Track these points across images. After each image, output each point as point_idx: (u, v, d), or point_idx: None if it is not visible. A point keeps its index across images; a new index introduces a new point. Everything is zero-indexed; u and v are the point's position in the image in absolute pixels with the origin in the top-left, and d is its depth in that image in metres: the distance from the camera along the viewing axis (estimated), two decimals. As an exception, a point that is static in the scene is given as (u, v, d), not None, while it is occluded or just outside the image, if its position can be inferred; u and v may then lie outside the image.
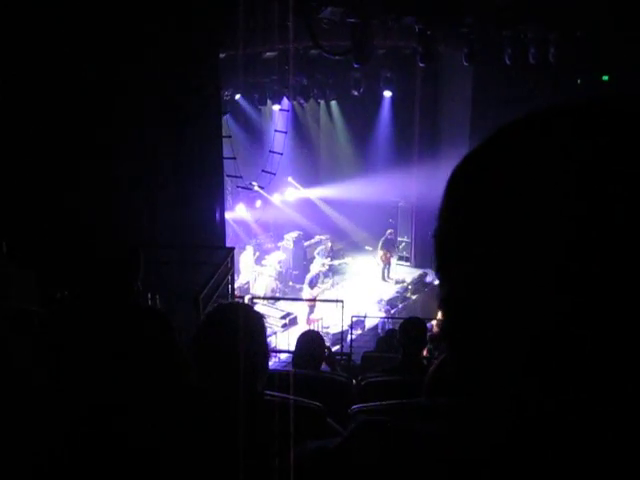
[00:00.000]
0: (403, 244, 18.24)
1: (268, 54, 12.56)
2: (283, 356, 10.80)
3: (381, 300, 15.41)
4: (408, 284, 16.50)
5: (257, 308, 13.01)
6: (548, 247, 0.50)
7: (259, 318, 2.23)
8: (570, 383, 0.50)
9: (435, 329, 10.78)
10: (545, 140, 0.53)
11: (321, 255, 16.85)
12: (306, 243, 17.61)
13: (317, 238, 17.75)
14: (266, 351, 2.21)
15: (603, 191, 0.48)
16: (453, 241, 0.58)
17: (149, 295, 5.57)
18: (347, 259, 17.82)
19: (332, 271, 16.92)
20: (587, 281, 0.48)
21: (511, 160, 0.54)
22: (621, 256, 0.47)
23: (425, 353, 7.70)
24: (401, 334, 4.85)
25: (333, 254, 17.41)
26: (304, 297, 14.83)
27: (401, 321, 5.39)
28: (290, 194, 18.91)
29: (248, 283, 15.64)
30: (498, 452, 0.57)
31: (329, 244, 17.35)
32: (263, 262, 16.60)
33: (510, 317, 0.52)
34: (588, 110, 0.53)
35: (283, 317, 13.86)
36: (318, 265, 16.20)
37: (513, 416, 0.55)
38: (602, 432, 0.50)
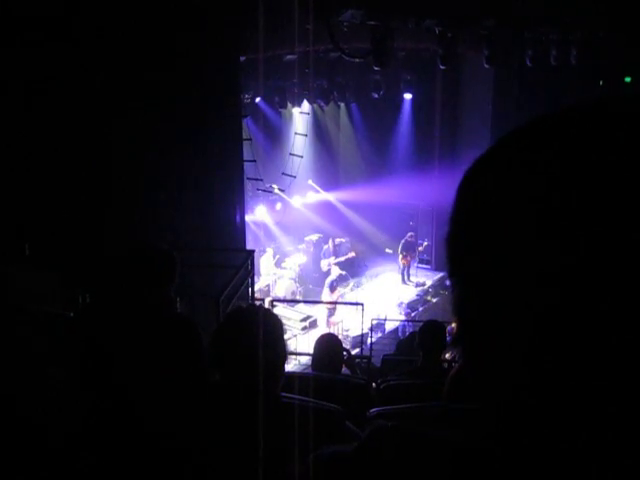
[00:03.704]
0: (423, 246, 18.18)
1: (288, 57, 12.59)
2: (303, 359, 10.80)
3: (401, 303, 15.37)
4: (428, 287, 16.45)
5: (277, 311, 13.04)
6: (545, 253, 0.50)
7: (278, 321, 2.24)
8: (568, 389, 0.51)
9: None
10: (551, 147, 0.53)
11: (326, 256, 16.86)
12: (326, 246, 17.62)
13: (337, 241, 17.75)
14: (284, 354, 2.21)
15: (601, 202, 0.49)
16: (463, 245, 0.59)
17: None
18: (351, 253, 17.73)
19: (351, 274, 16.88)
20: (582, 288, 0.49)
21: (516, 166, 0.55)
22: (617, 268, 0.48)
23: (449, 356, 7.68)
24: (420, 337, 4.84)
25: (336, 251, 17.35)
26: (324, 300, 14.83)
27: (421, 324, 5.37)
28: (310, 197, 18.92)
29: (268, 286, 15.66)
30: (512, 458, 0.57)
31: (330, 243, 17.33)
32: (283, 265, 16.63)
33: (514, 322, 0.53)
34: (593, 115, 0.54)
35: (303, 320, 13.87)
36: (325, 264, 16.27)
37: (521, 422, 0.55)
38: (603, 434, 0.50)
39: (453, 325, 10.97)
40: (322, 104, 16.93)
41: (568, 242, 0.49)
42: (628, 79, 14.24)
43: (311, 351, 4.77)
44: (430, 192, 17.40)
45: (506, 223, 0.53)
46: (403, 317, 14.72)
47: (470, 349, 0.60)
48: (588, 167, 0.50)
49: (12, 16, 6.19)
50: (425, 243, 18.14)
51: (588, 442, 0.51)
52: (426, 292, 16.22)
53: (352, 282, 16.67)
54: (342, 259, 17.22)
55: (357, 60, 11.69)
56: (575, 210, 0.50)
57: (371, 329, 12.23)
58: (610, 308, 0.48)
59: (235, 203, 9.84)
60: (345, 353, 5.01)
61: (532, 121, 0.57)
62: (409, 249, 17.47)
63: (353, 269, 17.50)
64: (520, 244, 0.52)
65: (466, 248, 0.58)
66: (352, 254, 17.68)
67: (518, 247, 0.52)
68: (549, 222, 0.50)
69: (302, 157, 15.41)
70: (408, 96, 18.04)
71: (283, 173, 15.35)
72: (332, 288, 15.12)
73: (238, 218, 9.90)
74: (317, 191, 19.04)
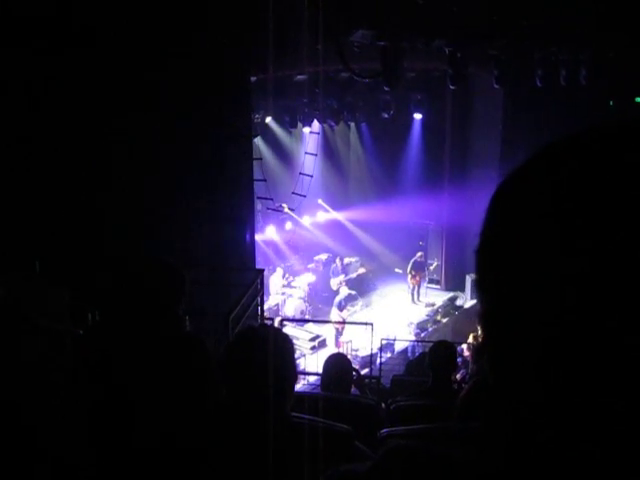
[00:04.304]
0: (434, 266, 18.14)
1: (299, 77, 12.67)
2: (312, 379, 10.75)
3: (411, 323, 15.32)
4: (438, 307, 16.39)
5: (286, 330, 13.02)
6: (573, 267, 0.51)
7: (289, 341, 2.23)
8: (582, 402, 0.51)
9: (466, 353, 10.68)
10: (584, 166, 0.54)
11: (334, 274, 16.86)
12: (334, 265, 17.63)
13: (346, 260, 17.75)
14: (294, 374, 2.20)
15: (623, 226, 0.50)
16: (492, 256, 0.60)
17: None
18: (361, 269, 17.73)
19: (360, 293, 16.85)
20: (592, 309, 0.50)
21: (547, 183, 0.56)
22: (625, 287, 0.49)
23: (459, 377, 7.63)
24: (430, 358, 4.81)
25: (345, 270, 17.35)
26: (332, 319, 14.80)
27: (431, 344, 5.35)
28: (320, 216, 18.95)
29: (277, 305, 15.66)
30: (524, 476, 0.57)
31: (338, 261, 17.35)
32: (293, 284, 16.63)
33: (529, 338, 0.54)
34: (609, 139, 0.55)
35: (312, 339, 13.84)
36: (335, 283, 16.26)
37: (533, 440, 0.55)
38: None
39: (463, 345, 10.94)
40: (332, 124, 17.02)
41: (579, 258, 0.50)
42: (639, 99, 14.22)
43: (320, 371, 4.76)
44: (440, 212, 17.41)
45: (527, 241, 0.54)
46: (413, 337, 14.65)
47: (491, 362, 0.60)
48: (601, 189, 0.51)
49: (12, 16, 6.21)
50: (435, 263, 18.10)
51: (600, 463, 0.51)
52: (436, 312, 16.15)
53: (361, 301, 16.64)
54: (353, 275, 17.23)
55: (367, 80, 11.74)
56: (592, 230, 0.50)
57: (380, 349, 12.18)
58: (618, 326, 0.49)
59: (245, 222, 9.87)
60: (354, 373, 4.99)
61: (550, 144, 0.58)
62: (418, 269, 17.45)
63: (362, 288, 17.47)
64: (532, 263, 0.53)
65: (490, 263, 0.59)
66: (362, 270, 17.69)
67: (532, 266, 0.53)
68: (568, 241, 0.51)
69: (312, 176, 15.45)
70: (418, 116, 18.10)
71: (293, 192, 15.39)
72: (340, 307, 15.10)
73: (248, 237, 9.92)
74: (327, 210, 19.08)
